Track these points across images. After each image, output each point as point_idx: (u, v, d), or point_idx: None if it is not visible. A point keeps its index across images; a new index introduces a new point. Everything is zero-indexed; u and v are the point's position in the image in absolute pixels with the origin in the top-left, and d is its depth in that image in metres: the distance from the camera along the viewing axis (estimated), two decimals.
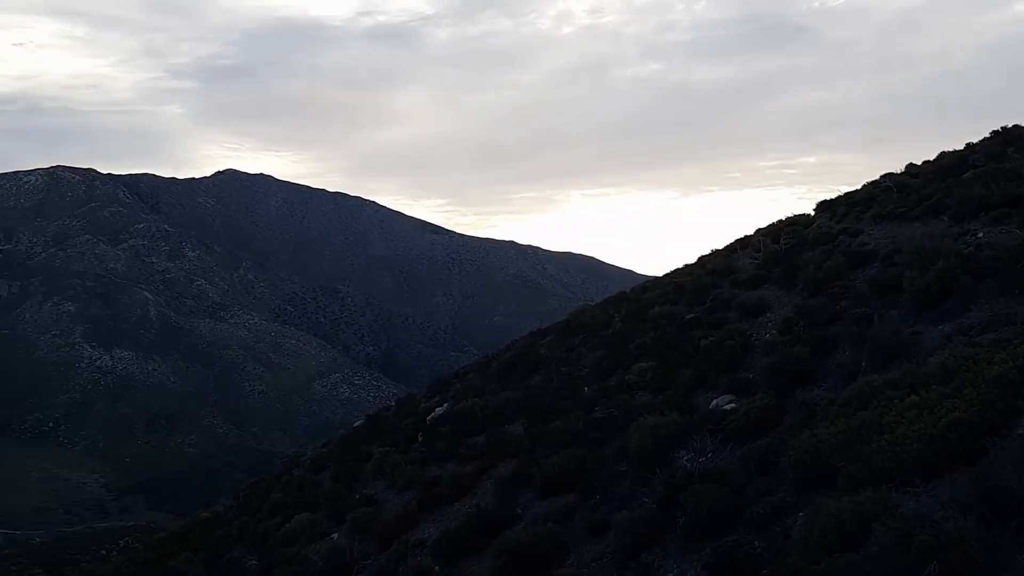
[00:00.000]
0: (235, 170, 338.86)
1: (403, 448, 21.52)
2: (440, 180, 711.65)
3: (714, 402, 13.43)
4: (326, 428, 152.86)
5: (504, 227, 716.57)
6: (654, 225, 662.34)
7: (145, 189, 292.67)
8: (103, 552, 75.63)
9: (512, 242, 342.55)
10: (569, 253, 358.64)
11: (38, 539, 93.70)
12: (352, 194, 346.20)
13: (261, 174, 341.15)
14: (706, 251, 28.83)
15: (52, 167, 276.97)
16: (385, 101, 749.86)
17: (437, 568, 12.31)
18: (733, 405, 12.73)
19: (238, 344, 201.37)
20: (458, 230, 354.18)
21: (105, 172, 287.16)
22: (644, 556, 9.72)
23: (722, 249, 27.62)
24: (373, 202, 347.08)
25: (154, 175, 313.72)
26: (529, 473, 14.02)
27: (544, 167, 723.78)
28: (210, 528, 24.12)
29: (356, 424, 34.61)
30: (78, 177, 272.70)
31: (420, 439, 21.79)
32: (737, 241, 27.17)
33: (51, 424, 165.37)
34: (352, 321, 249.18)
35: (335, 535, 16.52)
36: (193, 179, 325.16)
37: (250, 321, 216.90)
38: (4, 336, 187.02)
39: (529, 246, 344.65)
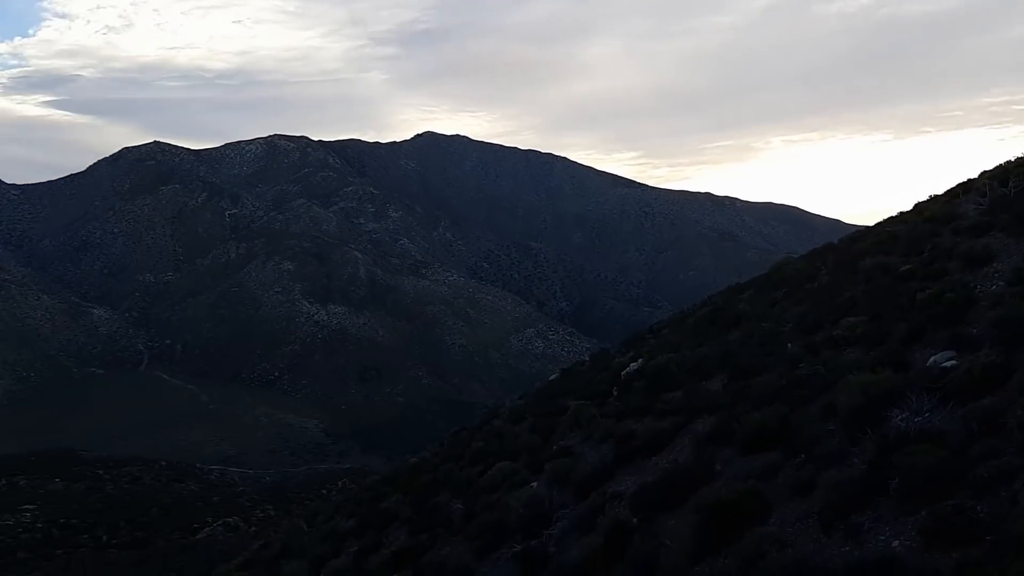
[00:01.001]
0: (433, 132, 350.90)
1: (598, 402, 21.67)
2: (632, 132, 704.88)
3: (932, 359, 12.52)
4: (522, 381, 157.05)
5: (699, 178, 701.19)
6: (863, 171, 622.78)
7: (352, 154, 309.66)
8: (323, 492, 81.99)
9: (708, 194, 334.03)
10: (769, 203, 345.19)
11: (268, 478, 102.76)
12: (544, 151, 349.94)
13: (457, 135, 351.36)
14: (923, 197, 26.70)
15: (270, 136, 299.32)
16: (576, 55, 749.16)
17: (635, 520, 12.36)
18: (954, 362, 11.82)
19: (439, 300, 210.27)
20: (651, 183, 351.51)
21: (316, 139, 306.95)
22: (853, 517, 9.31)
23: (942, 194, 25.45)
24: (564, 158, 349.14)
25: (360, 140, 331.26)
26: (729, 430, 13.71)
27: (742, 114, 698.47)
28: (417, 473, 25.47)
29: (551, 378, 35.23)
30: (293, 145, 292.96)
31: (615, 394, 21.85)
32: (959, 185, 24.92)
33: (276, 374, 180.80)
34: (545, 277, 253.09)
35: (534, 484, 16.96)
36: (395, 142, 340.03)
37: (449, 278, 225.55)
38: (233, 294, 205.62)
39: (726, 197, 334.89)
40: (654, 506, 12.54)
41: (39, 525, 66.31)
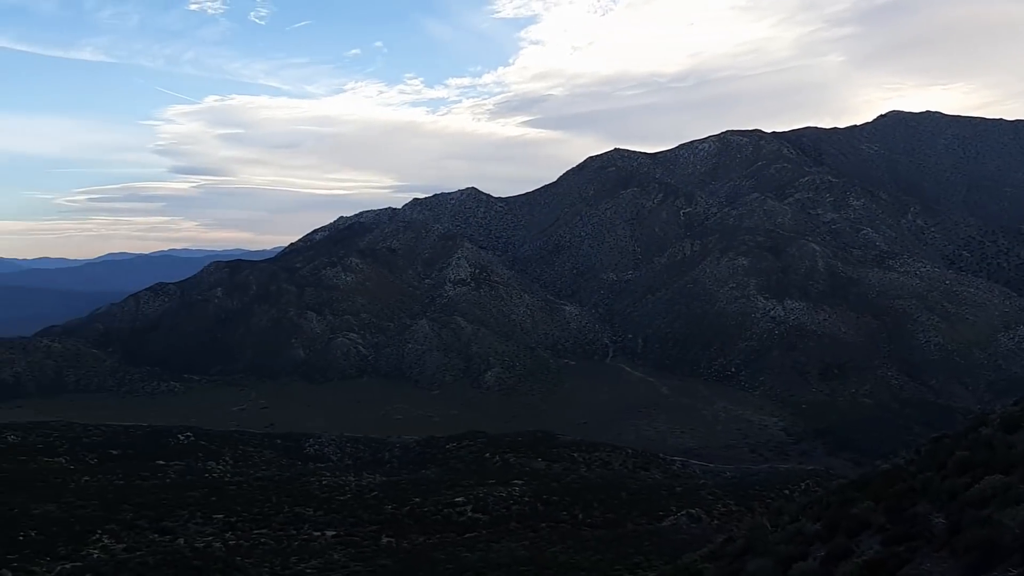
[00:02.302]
0: (898, 111, 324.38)
1: None
2: None
3: None
4: (1015, 384, 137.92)
5: None
6: None
7: (807, 143, 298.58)
8: (785, 491, 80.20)
9: None
10: None
11: (728, 473, 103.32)
12: None
13: (927, 112, 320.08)
14: None
15: (722, 133, 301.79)
16: None
17: None
18: None
19: (909, 293, 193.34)
20: None
21: (769, 131, 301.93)
22: None
23: None
24: None
25: (815, 127, 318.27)
26: None
27: None
28: (891, 480, 23.56)
29: None
30: (745, 139, 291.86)
31: None
32: None
33: (732, 369, 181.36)
34: None
35: None
36: (854, 126, 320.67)
37: (921, 269, 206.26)
38: (689, 290, 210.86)
39: None
40: None
41: (526, 499, 74.62)
